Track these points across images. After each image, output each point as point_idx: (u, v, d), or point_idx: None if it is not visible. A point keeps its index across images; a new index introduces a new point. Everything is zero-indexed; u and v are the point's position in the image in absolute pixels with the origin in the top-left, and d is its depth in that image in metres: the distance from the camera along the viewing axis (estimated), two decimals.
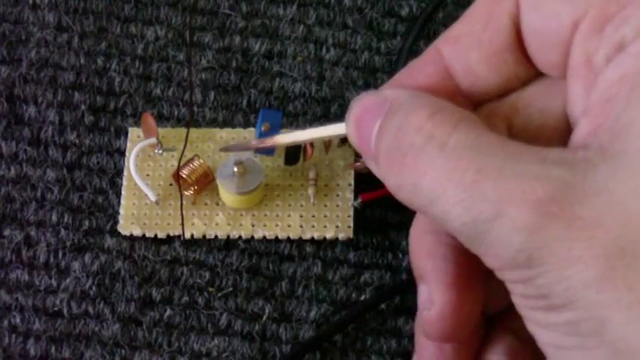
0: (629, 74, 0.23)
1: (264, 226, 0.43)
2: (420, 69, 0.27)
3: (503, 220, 0.22)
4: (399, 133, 0.24)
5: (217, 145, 0.44)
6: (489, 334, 0.29)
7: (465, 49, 0.26)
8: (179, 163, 0.42)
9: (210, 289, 0.42)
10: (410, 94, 0.25)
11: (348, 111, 0.27)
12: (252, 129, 0.45)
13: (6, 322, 0.41)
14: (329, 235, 0.42)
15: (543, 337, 0.23)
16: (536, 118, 0.26)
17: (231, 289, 0.42)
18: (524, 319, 0.24)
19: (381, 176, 0.26)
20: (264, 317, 0.41)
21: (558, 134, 0.26)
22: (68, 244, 0.43)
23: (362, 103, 0.26)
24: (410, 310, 0.41)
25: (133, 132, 0.45)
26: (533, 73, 0.26)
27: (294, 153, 0.42)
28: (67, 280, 0.42)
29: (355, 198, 0.43)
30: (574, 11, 0.24)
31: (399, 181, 0.24)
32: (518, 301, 0.24)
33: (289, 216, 0.43)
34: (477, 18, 0.26)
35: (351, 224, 0.43)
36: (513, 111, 0.27)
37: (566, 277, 0.22)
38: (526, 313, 0.24)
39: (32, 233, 0.43)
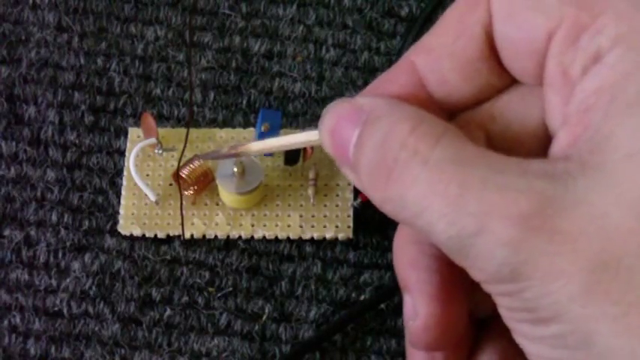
0: (607, 85, 0.22)
1: (264, 226, 0.43)
2: (393, 79, 0.27)
3: (486, 235, 0.22)
4: (383, 148, 0.24)
5: (217, 145, 0.44)
6: (481, 337, 0.29)
7: (438, 60, 0.26)
8: (179, 163, 0.42)
9: (210, 289, 0.42)
10: (387, 103, 0.25)
11: (321, 118, 0.26)
12: (252, 129, 0.45)
13: (6, 322, 0.41)
14: (329, 235, 0.42)
15: (531, 350, 0.23)
16: (513, 126, 0.26)
17: (231, 289, 0.42)
18: (512, 331, 0.24)
19: (363, 188, 0.25)
20: (264, 317, 0.41)
21: (537, 142, 0.26)
22: (68, 244, 0.43)
23: (336, 111, 0.26)
24: None
25: (133, 132, 0.45)
26: (509, 81, 0.26)
27: (293, 153, 0.42)
28: (67, 280, 0.42)
29: (355, 198, 0.43)
30: (548, 22, 0.24)
31: (385, 196, 0.24)
32: (505, 313, 0.24)
33: (289, 216, 0.43)
34: (449, 28, 0.26)
35: (351, 224, 0.43)
36: (490, 119, 0.26)
37: (551, 290, 0.21)
38: (513, 325, 0.24)
39: (32, 233, 0.43)
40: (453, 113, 0.27)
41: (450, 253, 0.24)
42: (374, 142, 0.25)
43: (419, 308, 0.27)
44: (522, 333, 0.23)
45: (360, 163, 0.25)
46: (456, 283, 0.26)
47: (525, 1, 0.24)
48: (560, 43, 0.24)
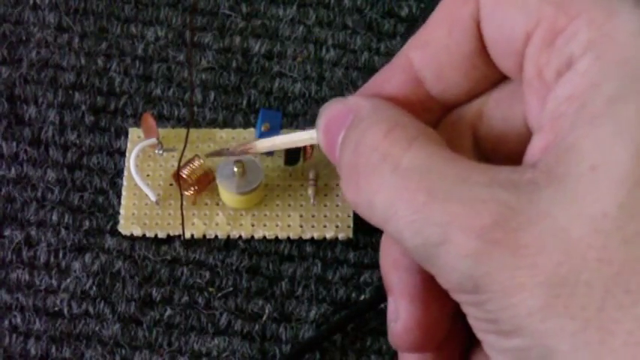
0: (577, 93, 0.22)
1: (264, 226, 0.43)
2: (391, 77, 0.27)
3: (449, 246, 0.22)
4: (357, 151, 0.24)
5: (217, 146, 0.44)
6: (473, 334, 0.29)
7: (434, 55, 0.26)
8: (179, 163, 0.42)
9: (210, 289, 0.42)
10: (372, 106, 0.25)
11: (318, 117, 0.27)
12: (252, 129, 0.45)
13: (6, 322, 0.41)
14: (329, 235, 0.42)
15: None
16: (499, 124, 0.26)
17: (231, 289, 0.42)
18: (481, 341, 0.24)
19: (342, 189, 0.26)
20: (264, 317, 0.42)
21: (521, 141, 0.25)
22: (68, 244, 0.43)
23: (329, 111, 0.26)
24: None
25: (134, 132, 0.45)
26: (504, 75, 0.26)
27: (294, 153, 0.42)
28: (68, 280, 0.42)
29: None
30: (527, 22, 0.24)
31: (356, 198, 0.24)
32: (472, 323, 0.24)
33: (289, 216, 0.43)
34: (441, 22, 0.26)
35: (351, 224, 0.43)
36: (478, 116, 0.26)
37: (511, 304, 0.21)
38: (481, 335, 0.24)
39: (33, 233, 0.43)
40: (450, 108, 0.27)
41: (419, 261, 0.24)
42: (351, 144, 0.25)
43: (400, 310, 0.27)
44: (489, 344, 0.23)
45: (341, 165, 0.25)
46: (437, 284, 0.27)
47: None
48: (537, 44, 0.23)
